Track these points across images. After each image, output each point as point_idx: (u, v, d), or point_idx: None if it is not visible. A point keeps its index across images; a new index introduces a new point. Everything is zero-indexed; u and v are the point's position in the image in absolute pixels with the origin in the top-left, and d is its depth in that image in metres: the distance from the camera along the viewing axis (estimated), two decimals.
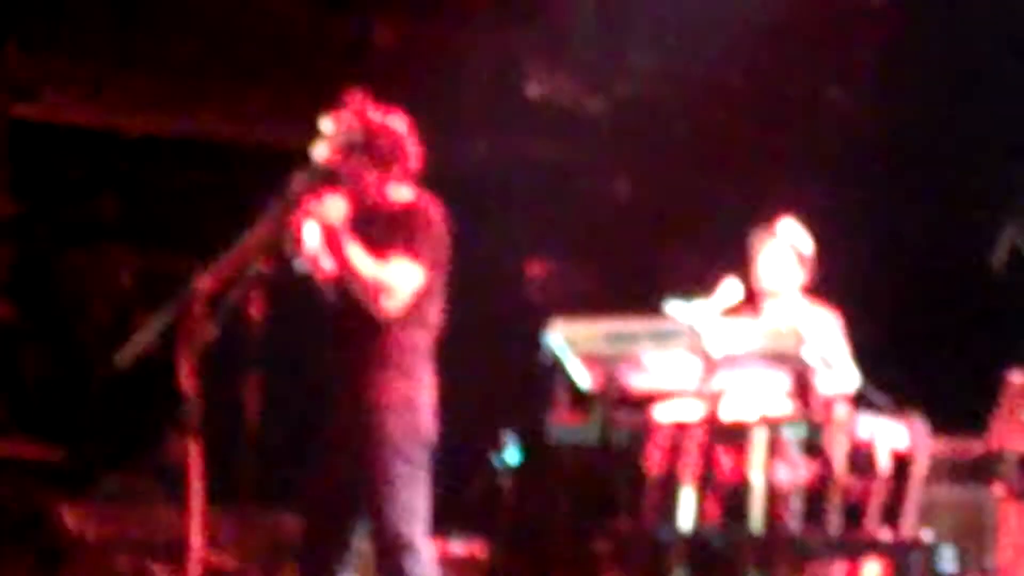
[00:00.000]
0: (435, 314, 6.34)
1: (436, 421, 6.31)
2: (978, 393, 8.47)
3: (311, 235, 6.27)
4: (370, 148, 6.37)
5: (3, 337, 10.58)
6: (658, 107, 12.25)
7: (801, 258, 7.99)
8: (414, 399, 6.23)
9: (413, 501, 6.14)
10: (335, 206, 6.30)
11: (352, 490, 6.09)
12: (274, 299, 6.10)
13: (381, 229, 6.17)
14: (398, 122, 6.32)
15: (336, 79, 6.82)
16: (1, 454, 9.85)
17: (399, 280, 6.03)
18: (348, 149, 6.39)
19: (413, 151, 6.40)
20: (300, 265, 6.30)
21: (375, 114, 6.37)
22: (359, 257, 5.99)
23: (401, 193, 6.33)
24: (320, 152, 6.30)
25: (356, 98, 6.38)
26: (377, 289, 5.99)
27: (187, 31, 11.43)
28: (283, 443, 7.02)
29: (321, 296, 6.43)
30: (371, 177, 6.37)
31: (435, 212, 6.29)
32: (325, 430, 6.30)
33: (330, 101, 6.41)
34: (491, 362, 10.37)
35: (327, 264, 6.26)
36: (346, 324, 6.27)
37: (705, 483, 7.48)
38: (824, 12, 11.76)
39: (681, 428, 7.46)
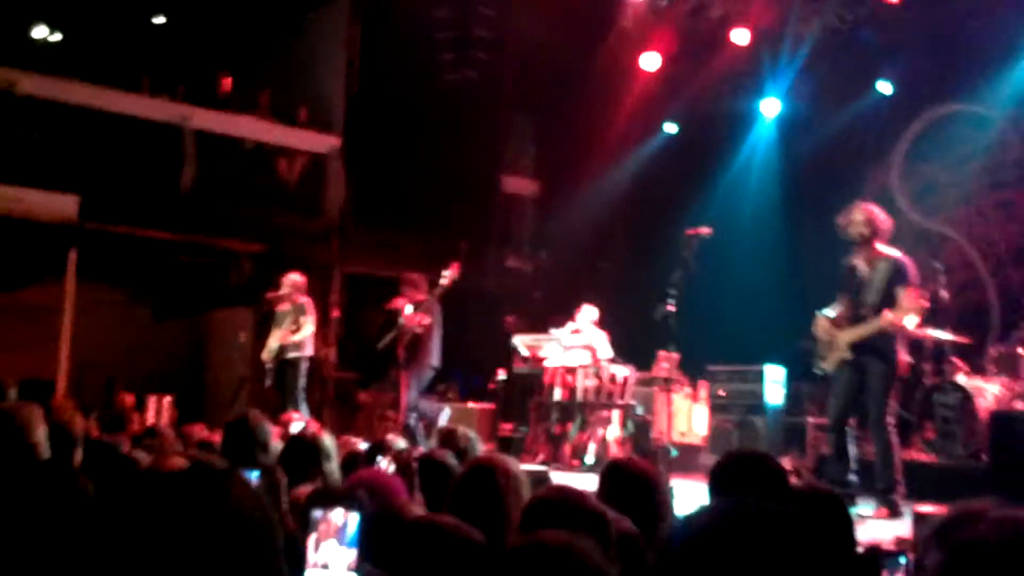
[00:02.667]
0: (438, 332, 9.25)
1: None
2: (651, 357, 10.36)
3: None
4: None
5: (342, 337, 11.99)
6: (551, 269, 13.89)
7: (591, 316, 9.99)
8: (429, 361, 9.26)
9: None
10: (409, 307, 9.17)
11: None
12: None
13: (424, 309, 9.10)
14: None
15: (442, 264, 9.41)
16: (339, 375, 11.58)
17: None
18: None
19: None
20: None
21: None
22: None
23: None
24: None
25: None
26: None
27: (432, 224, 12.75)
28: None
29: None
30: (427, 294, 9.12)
31: (436, 310, 9.04)
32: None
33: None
34: (496, 349, 11.53)
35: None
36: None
37: (564, 386, 9.81)
38: (602, 248, 13.59)
39: (556, 369, 9.84)
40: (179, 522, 1.31)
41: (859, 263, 6.75)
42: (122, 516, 1.35)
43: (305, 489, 3.20)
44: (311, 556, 1.86)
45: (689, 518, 1.46)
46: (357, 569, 1.89)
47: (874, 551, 2.71)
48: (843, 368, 6.67)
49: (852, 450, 6.76)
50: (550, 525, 1.83)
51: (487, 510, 2.95)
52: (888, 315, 6.32)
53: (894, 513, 6.32)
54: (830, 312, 6.88)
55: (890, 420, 6.51)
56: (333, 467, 3.91)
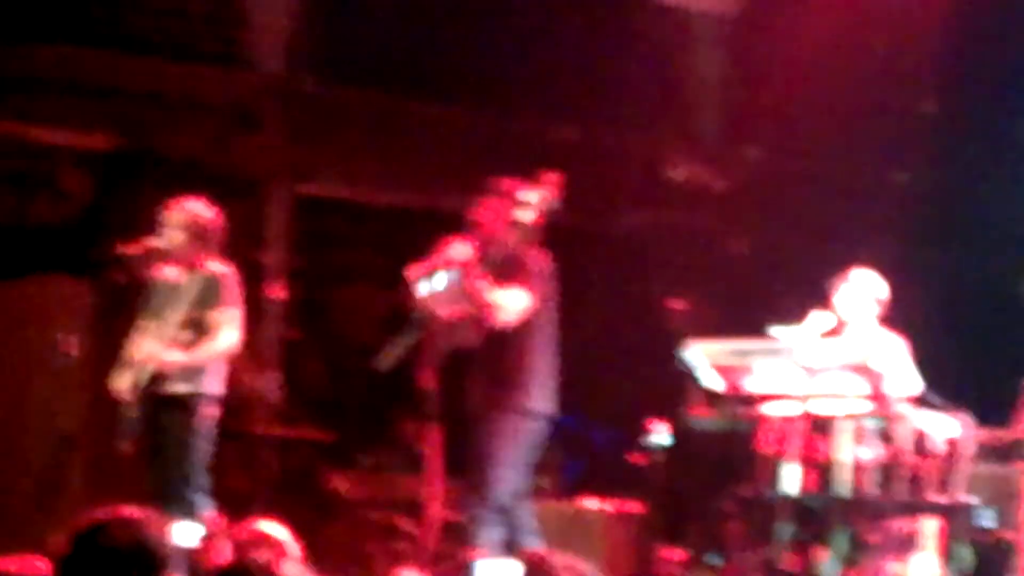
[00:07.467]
0: (549, 329, 5.76)
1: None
2: (1006, 395, 7.34)
3: (438, 280, 5.77)
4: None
5: (292, 353, 9.46)
6: (765, 187, 10.64)
7: (870, 298, 6.81)
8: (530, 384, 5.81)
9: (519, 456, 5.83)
10: (463, 249, 5.73)
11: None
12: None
13: (502, 267, 5.68)
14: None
15: (520, 170, 6.06)
16: (290, 436, 8.75)
17: (511, 302, 5.60)
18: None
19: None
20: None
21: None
22: (482, 284, 5.57)
23: (520, 245, 5.80)
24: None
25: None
26: (493, 308, 5.56)
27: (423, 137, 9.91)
28: None
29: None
30: (504, 230, 5.75)
31: (543, 259, 5.79)
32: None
33: (519, 183, 5.72)
34: (644, 371, 9.06)
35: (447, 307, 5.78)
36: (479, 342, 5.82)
37: (806, 461, 6.33)
38: (887, 118, 10.38)
39: (787, 420, 6.41)
40: None
41: None
42: None
43: None
44: None
45: None
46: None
47: None
48: None
49: None
50: None
51: None
52: None
53: None
54: None
55: None
56: None
